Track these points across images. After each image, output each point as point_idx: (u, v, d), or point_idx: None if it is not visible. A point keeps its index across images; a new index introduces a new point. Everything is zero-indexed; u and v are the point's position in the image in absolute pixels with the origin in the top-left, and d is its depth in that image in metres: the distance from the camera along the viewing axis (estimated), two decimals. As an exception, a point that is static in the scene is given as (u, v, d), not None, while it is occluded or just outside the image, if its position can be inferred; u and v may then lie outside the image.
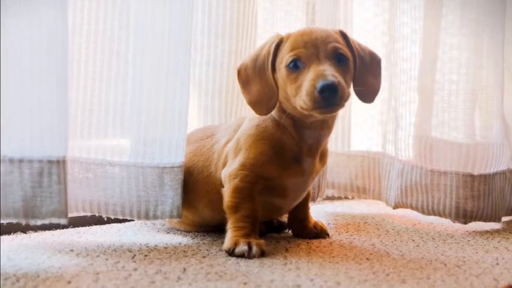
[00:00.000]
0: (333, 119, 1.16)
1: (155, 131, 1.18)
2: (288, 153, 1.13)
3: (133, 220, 1.32)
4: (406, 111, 1.49)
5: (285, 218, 1.32)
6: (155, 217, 1.18)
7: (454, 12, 1.44)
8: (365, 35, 1.66)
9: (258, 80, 1.12)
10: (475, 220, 1.41)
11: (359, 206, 1.69)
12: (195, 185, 1.20)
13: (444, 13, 1.45)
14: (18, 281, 0.89)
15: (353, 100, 1.64)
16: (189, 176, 1.20)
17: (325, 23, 1.43)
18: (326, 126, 1.15)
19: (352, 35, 1.61)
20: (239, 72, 1.15)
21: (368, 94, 1.16)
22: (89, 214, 1.20)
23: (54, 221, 1.01)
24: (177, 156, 1.18)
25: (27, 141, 1.00)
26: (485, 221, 1.42)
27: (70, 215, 1.26)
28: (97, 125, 1.18)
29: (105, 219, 1.28)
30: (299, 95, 1.05)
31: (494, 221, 1.43)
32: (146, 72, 1.16)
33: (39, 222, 1.01)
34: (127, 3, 1.18)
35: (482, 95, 1.46)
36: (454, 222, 1.43)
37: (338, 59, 1.08)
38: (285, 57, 1.08)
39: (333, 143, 1.63)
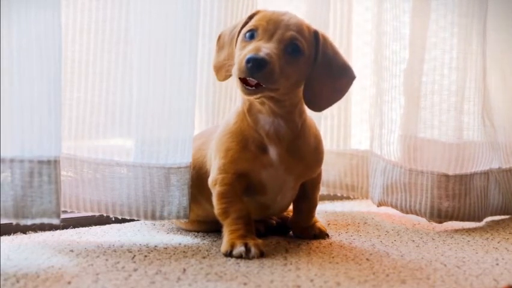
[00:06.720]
0: (283, 107, 1.11)
1: (160, 131, 1.18)
2: (250, 142, 1.13)
3: (134, 220, 1.32)
4: (392, 112, 1.49)
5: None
6: (161, 218, 1.19)
7: (441, 14, 1.44)
8: (365, 36, 1.66)
9: (228, 46, 1.15)
10: (450, 220, 1.41)
11: (359, 206, 1.69)
12: (197, 179, 1.21)
13: (432, 15, 1.45)
14: (18, 281, 0.89)
15: (350, 101, 1.67)
16: (193, 170, 1.21)
17: (318, 24, 1.42)
18: (278, 114, 1.12)
19: (352, 36, 1.63)
20: (218, 38, 1.19)
21: (316, 102, 1.13)
22: (97, 214, 1.20)
23: (46, 221, 1.01)
24: (183, 157, 1.19)
25: (19, 141, 1.00)
26: (462, 220, 1.42)
27: (79, 214, 1.28)
28: (104, 125, 1.19)
29: (105, 219, 1.28)
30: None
31: (473, 221, 1.43)
32: (151, 73, 1.17)
33: (29, 222, 1.01)
34: (133, 4, 1.18)
35: (464, 96, 1.46)
36: (429, 221, 1.43)
37: (292, 49, 1.07)
38: (247, 26, 1.10)
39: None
